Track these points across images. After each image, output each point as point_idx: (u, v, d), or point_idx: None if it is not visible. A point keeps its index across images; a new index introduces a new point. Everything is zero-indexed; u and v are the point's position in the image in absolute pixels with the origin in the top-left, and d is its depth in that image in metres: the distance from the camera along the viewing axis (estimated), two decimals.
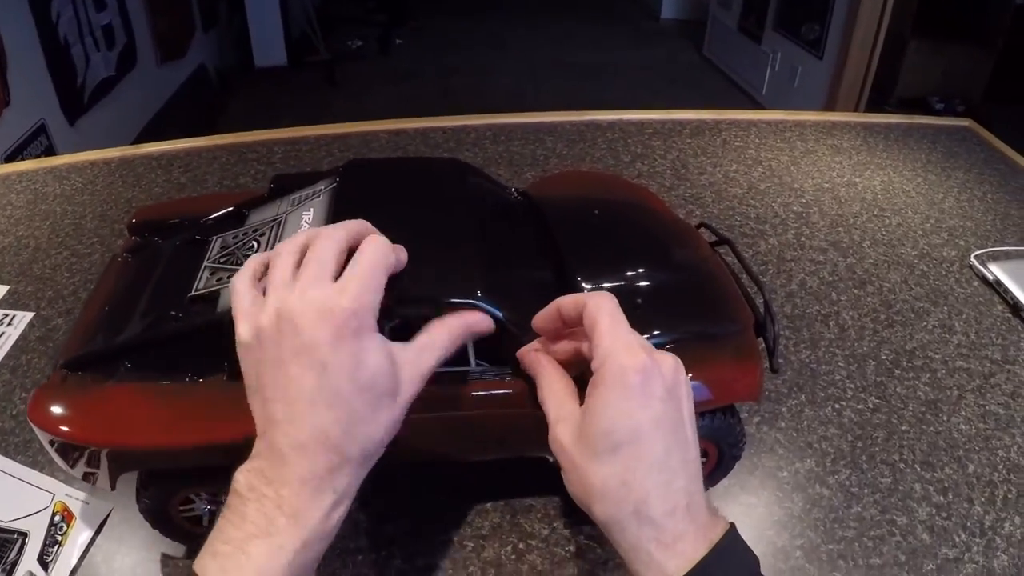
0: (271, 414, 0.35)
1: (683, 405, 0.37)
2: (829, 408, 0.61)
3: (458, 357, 0.42)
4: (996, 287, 0.78)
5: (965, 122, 1.23)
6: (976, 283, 0.79)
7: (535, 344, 0.43)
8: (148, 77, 3.14)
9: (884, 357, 0.67)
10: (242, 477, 0.35)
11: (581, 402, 0.38)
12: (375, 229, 0.41)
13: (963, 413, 0.62)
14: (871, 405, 0.62)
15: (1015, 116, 4.10)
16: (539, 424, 0.40)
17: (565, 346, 0.41)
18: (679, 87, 4.44)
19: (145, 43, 3.11)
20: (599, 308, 0.38)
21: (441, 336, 0.40)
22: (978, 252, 0.84)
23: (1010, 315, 0.75)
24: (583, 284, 0.47)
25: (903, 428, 0.60)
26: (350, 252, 0.39)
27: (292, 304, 0.35)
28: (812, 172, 0.98)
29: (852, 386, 0.63)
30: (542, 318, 0.42)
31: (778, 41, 3.79)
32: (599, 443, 0.35)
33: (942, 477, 0.56)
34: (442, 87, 4.45)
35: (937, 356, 0.68)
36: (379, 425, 0.36)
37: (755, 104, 4.06)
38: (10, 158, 2.02)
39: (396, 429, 0.37)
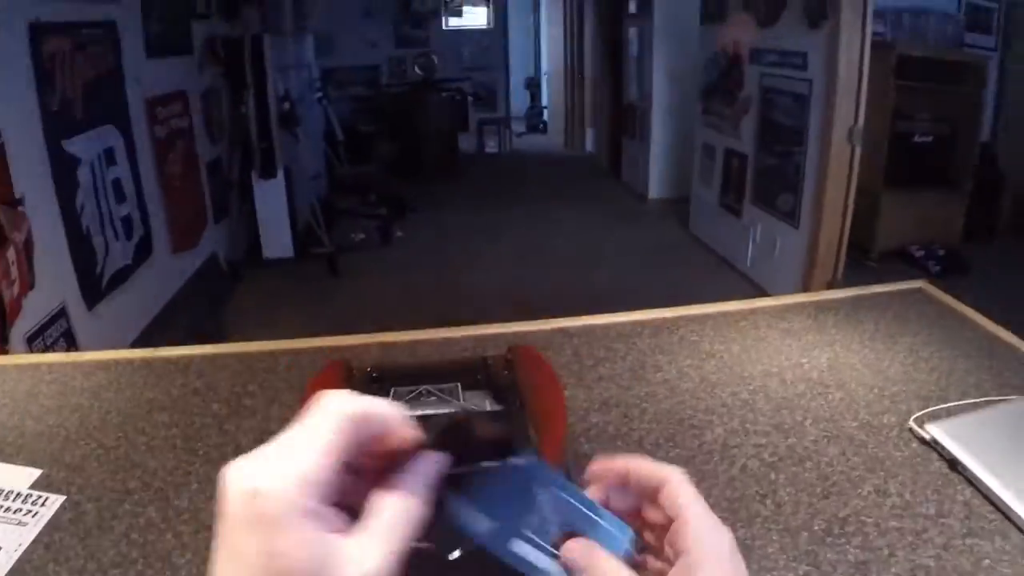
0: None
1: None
2: None
3: None
4: (934, 446, 0.88)
5: (918, 283, 1.36)
6: (915, 444, 0.90)
7: (576, 542, 0.39)
8: (162, 266, 3.42)
9: (817, 527, 0.77)
10: None
11: None
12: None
13: (893, 570, 0.71)
14: (802, 572, 0.71)
15: (994, 251, 4.28)
16: None
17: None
18: (668, 265, 4.72)
19: (161, 234, 3.42)
20: (682, 485, 0.41)
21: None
22: (918, 414, 0.95)
23: (947, 470, 0.85)
24: None
25: None
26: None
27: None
28: (762, 358, 1.12)
29: (784, 557, 0.73)
30: (605, 474, 0.43)
31: (757, 214, 4.09)
32: None
33: None
34: (440, 276, 4.75)
35: (870, 519, 0.78)
36: None
37: (740, 275, 4.30)
38: (32, 338, 2.23)
39: None
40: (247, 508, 0.31)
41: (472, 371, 0.88)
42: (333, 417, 0.33)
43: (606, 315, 1.27)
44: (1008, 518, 0.77)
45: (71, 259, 2.59)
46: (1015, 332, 1.16)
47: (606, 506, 0.42)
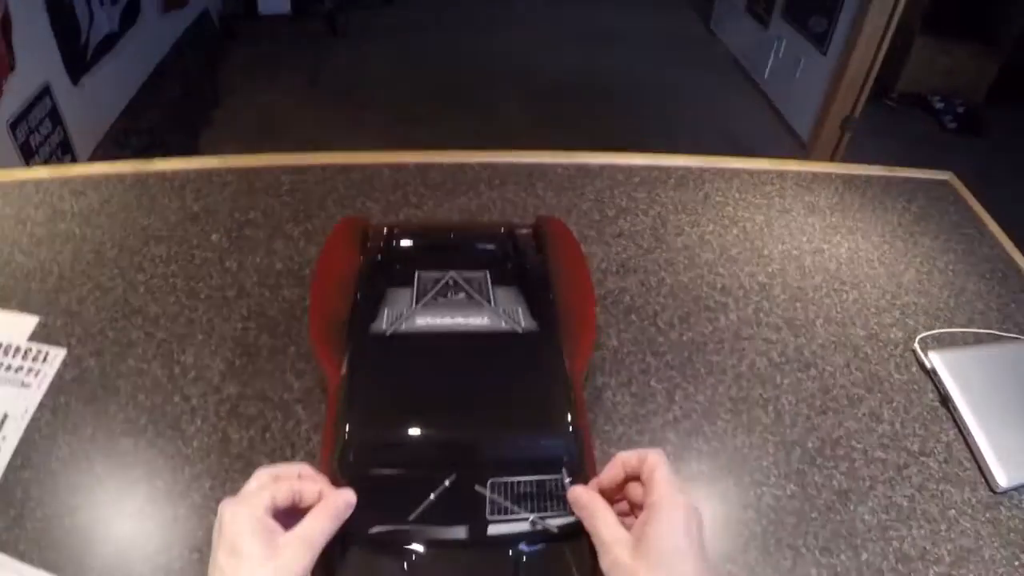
0: None
1: (703, 538, 0.52)
2: (752, 492, 0.73)
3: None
4: (931, 375, 0.90)
5: (945, 175, 1.32)
6: (914, 369, 0.91)
7: (583, 487, 0.57)
8: (151, 29, 3.22)
9: (810, 445, 0.79)
10: None
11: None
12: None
13: (869, 504, 0.74)
14: (788, 492, 0.74)
15: (1013, 120, 4.21)
16: None
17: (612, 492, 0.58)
18: (684, 62, 4.53)
19: None
20: (658, 460, 0.54)
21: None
22: (923, 334, 0.96)
23: (938, 404, 0.86)
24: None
25: (812, 515, 0.72)
26: None
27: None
28: (784, 236, 1.09)
29: (776, 472, 0.76)
30: (610, 475, 0.57)
31: (784, 29, 3.87)
32: (654, 558, 0.49)
33: (836, 563, 0.69)
34: (445, 42, 4.52)
35: (859, 446, 0.80)
36: None
37: (755, 87, 4.15)
38: (15, 123, 2.14)
39: None
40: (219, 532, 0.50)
41: (501, 250, 0.84)
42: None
43: (628, 154, 1.21)
44: (981, 470, 0.79)
45: (53, 33, 2.40)
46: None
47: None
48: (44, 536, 0.66)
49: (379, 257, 0.81)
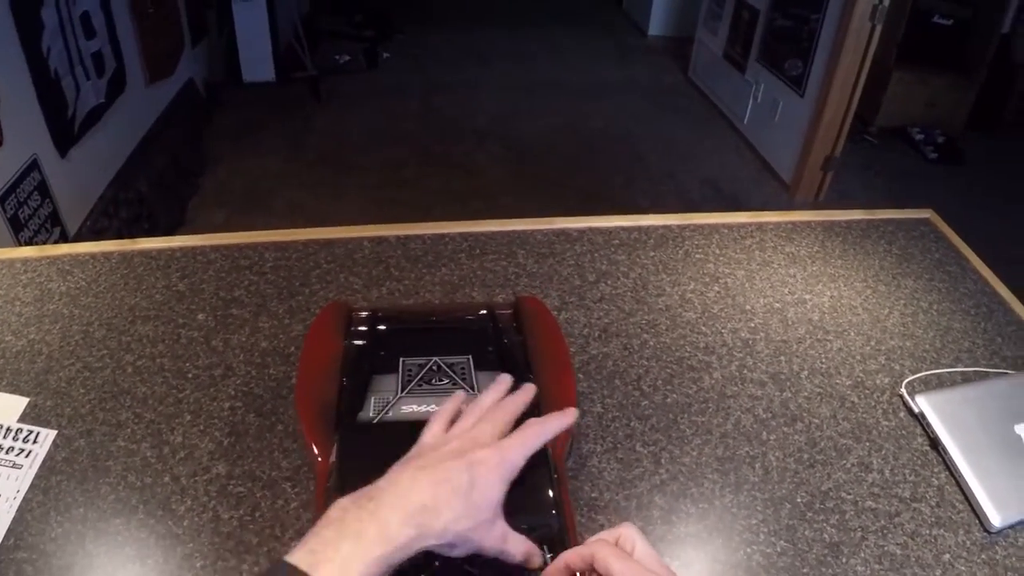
0: (417, 475, 0.56)
1: None
2: (741, 553, 0.74)
3: None
4: (920, 419, 0.91)
5: (926, 213, 1.35)
6: (902, 414, 0.92)
7: None
8: (137, 99, 3.28)
9: (799, 500, 0.80)
10: (344, 501, 0.53)
11: None
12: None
13: (862, 555, 0.75)
14: (779, 549, 0.75)
15: (993, 147, 4.31)
16: None
17: None
18: (664, 112, 4.63)
19: (134, 65, 3.26)
20: (608, 557, 0.53)
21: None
22: (910, 378, 0.97)
23: (928, 448, 0.88)
24: None
25: (804, 571, 0.73)
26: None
27: (476, 437, 0.61)
28: (765, 289, 1.12)
29: (765, 530, 0.77)
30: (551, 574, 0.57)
31: (761, 73, 3.97)
32: None
33: None
34: (427, 104, 4.62)
35: (849, 497, 0.81)
36: (467, 528, 0.54)
37: (736, 133, 4.24)
38: (4, 197, 2.18)
39: (472, 545, 0.56)
40: (493, 461, 0.59)
41: (482, 333, 0.87)
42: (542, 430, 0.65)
43: (608, 217, 1.25)
44: (974, 511, 0.80)
45: (40, 107, 2.46)
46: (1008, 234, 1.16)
47: None
48: None
49: (363, 343, 0.84)
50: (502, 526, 0.58)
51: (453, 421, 0.66)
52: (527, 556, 0.59)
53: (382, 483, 0.55)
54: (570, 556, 0.56)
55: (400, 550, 0.51)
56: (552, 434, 0.64)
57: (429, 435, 0.63)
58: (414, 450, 0.61)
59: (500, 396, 0.68)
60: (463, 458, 0.57)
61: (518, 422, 0.65)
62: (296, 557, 0.48)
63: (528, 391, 0.69)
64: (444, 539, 0.53)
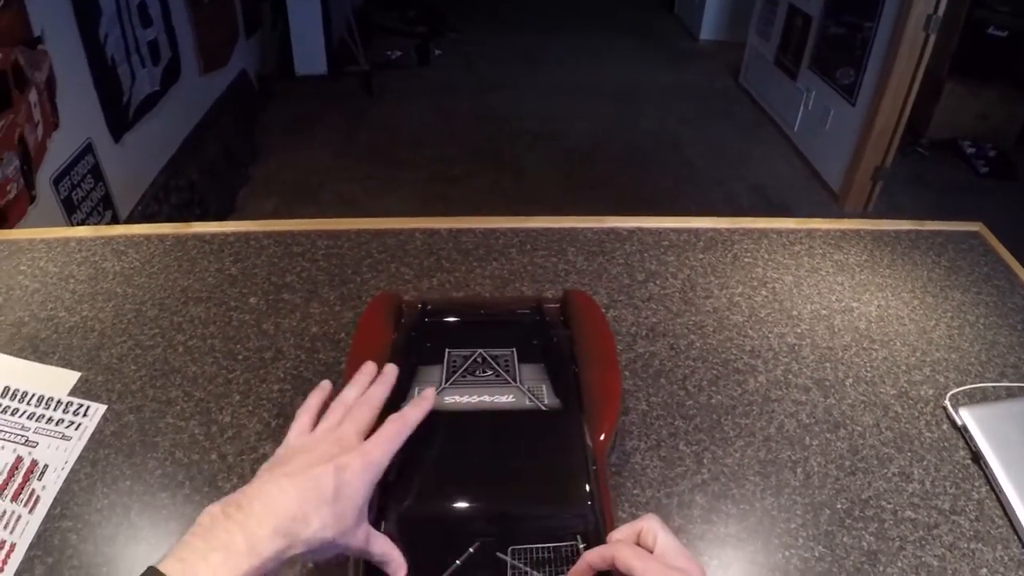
0: (284, 484, 0.55)
1: None
2: (780, 555, 0.75)
3: None
4: (963, 432, 0.91)
5: (975, 226, 1.34)
6: (945, 426, 0.92)
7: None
8: (191, 88, 3.35)
9: (839, 506, 0.80)
10: (214, 509, 0.53)
11: None
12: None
13: (899, 564, 0.75)
14: (817, 554, 0.75)
15: None
16: None
17: None
18: (714, 117, 4.60)
19: (189, 55, 3.33)
20: (628, 557, 0.53)
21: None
22: (954, 391, 0.97)
23: (970, 462, 0.88)
24: None
25: None
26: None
27: (341, 439, 0.61)
28: (813, 296, 1.12)
29: (804, 535, 0.77)
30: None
31: (813, 80, 3.94)
32: None
33: None
34: (478, 102, 4.64)
35: (889, 506, 0.81)
36: (334, 535, 0.55)
37: (786, 140, 4.19)
38: (59, 179, 2.23)
39: (338, 549, 0.57)
40: (359, 464, 0.59)
41: (528, 326, 0.89)
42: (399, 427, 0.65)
43: (658, 218, 1.26)
44: (1013, 527, 0.79)
45: (96, 93, 2.54)
46: None
47: None
48: None
49: (412, 334, 0.86)
50: (365, 528, 0.59)
51: (320, 414, 0.67)
52: (385, 557, 0.60)
53: (250, 490, 0.55)
54: (592, 556, 0.56)
55: (269, 561, 0.51)
56: (414, 424, 0.65)
57: (294, 433, 0.64)
58: (280, 451, 0.62)
59: (363, 389, 0.69)
60: (330, 463, 0.57)
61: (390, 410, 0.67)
62: (166, 565, 0.48)
63: (386, 379, 0.70)
64: (311, 547, 0.54)
